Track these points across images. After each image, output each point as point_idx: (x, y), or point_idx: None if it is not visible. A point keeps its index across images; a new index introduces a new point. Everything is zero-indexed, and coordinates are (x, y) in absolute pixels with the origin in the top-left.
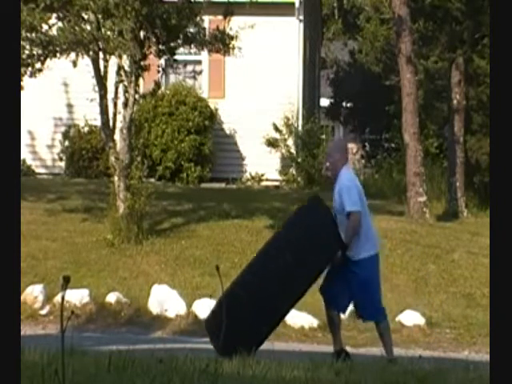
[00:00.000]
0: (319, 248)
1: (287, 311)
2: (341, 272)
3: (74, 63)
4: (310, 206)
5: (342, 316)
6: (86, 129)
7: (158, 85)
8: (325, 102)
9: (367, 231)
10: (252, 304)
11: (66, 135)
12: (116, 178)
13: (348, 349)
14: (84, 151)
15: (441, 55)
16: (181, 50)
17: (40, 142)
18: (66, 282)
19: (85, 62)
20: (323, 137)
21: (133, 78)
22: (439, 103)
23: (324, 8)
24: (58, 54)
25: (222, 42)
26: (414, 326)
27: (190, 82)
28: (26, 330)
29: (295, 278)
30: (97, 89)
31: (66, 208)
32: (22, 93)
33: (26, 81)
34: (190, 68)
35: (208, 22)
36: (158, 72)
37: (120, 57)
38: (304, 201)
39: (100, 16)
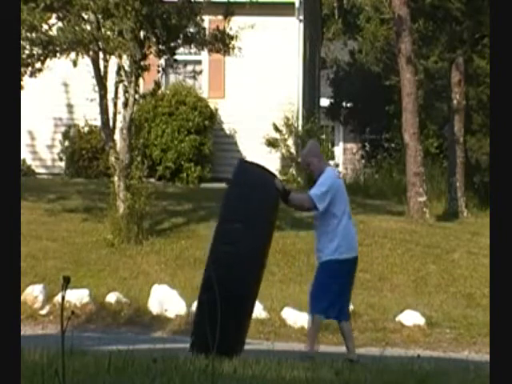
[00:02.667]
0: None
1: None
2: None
3: (74, 63)
4: (241, 171)
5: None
6: (86, 129)
7: (158, 85)
8: (325, 102)
9: (343, 233)
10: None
11: (66, 135)
12: (116, 178)
13: None
14: (84, 151)
15: (441, 55)
16: (181, 49)
17: (40, 142)
18: (66, 282)
19: (85, 62)
20: (323, 137)
21: (133, 78)
22: (439, 103)
23: (324, 8)
24: (57, 54)
25: (222, 42)
26: (413, 326)
27: (190, 81)
28: (26, 329)
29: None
30: (97, 89)
31: (66, 208)
32: (22, 93)
33: (26, 81)
34: (190, 68)
35: (208, 22)
36: (158, 72)
37: (120, 57)
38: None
39: (100, 16)
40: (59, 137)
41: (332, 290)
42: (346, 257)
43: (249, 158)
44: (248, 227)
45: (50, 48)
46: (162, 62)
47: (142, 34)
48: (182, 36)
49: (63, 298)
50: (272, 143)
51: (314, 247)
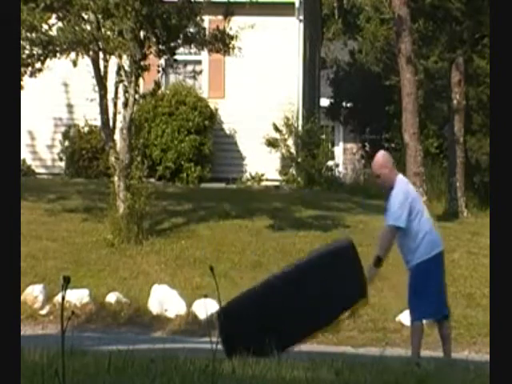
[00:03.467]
0: (341, 296)
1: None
2: None
3: (74, 63)
4: (340, 252)
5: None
6: (86, 129)
7: (158, 85)
8: (325, 102)
9: (423, 237)
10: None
11: (66, 135)
12: (116, 178)
13: (348, 349)
14: (84, 151)
15: (441, 55)
16: (181, 49)
17: (40, 142)
18: (66, 282)
19: (85, 62)
20: (323, 137)
21: (133, 78)
22: (439, 103)
23: (324, 8)
24: (58, 54)
25: (222, 42)
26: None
27: (190, 81)
28: (26, 329)
29: (314, 314)
30: (97, 89)
31: (66, 208)
32: (22, 93)
33: (26, 81)
34: (190, 68)
35: (208, 22)
36: (158, 72)
37: (120, 57)
38: (304, 201)
39: (100, 16)
40: (59, 137)
41: (428, 292)
42: (433, 253)
43: (249, 158)
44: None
45: (49, 48)
46: (162, 62)
47: (142, 33)
48: (181, 36)
49: (63, 298)
50: (272, 143)
51: (401, 254)
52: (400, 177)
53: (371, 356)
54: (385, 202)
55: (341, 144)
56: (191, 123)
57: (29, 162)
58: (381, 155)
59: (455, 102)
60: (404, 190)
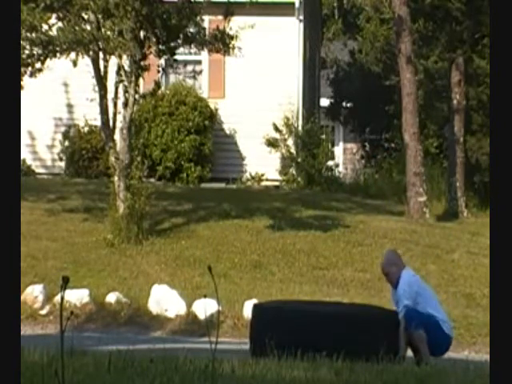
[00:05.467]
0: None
1: None
2: None
3: (74, 63)
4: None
5: None
6: (86, 129)
7: (158, 85)
8: (325, 102)
9: (437, 328)
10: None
11: (66, 135)
12: (116, 178)
13: None
14: (84, 151)
15: (441, 55)
16: (181, 49)
17: (40, 142)
18: (66, 283)
19: (85, 62)
20: (323, 137)
21: (133, 78)
22: (439, 103)
23: (324, 8)
24: (57, 54)
25: (222, 42)
26: None
27: (190, 81)
28: (26, 329)
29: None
30: (97, 89)
31: (65, 208)
32: (22, 93)
33: (26, 81)
34: (190, 68)
35: (208, 22)
36: (158, 72)
37: (120, 57)
38: (304, 201)
39: (100, 16)
40: (59, 137)
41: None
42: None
43: (249, 158)
44: None
45: (49, 48)
46: (162, 62)
47: (142, 33)
48: (182, 36)
49: (62, 298)
50: (272, 143)
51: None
52: (406, 270)
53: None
54: (393, 297)
55: (341, 144)
56: (191, 123)
57: (29, 161)
58: (390, 254)
59: (455, 101)
60: (408, 281)
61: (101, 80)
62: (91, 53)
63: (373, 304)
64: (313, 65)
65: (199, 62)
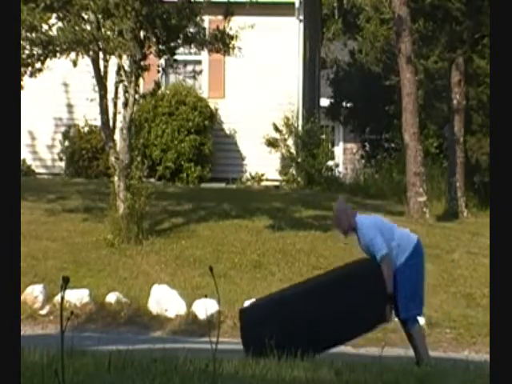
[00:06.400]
0: (369, 316)
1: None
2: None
3: (74, 63)
4: (367, 266)
5: None
6: (86, 129)
7: (158, 85)
8: (325, 102)
9: (400, 242)
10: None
11: (66, 135)
12: (116, 178)
13: (348, 349)
14: (84, 151)
15: (441, 55)
16: (181, 49)
17: (40, 142)
18: (66, 283)
19: (85, 62)
20: (323, 137)
21: (133, 78)
22: (439, 103)
23: (324, 8)
24: (58, 54)
25: (222, 42)
26: None
27: (190, 81)
28: (26, 329)
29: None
30: (97, 89)
31: (65, 208)
32: (22, 93)
33: (26, 81)
34: (190, 68)
35: (208, 22)
36: (158, 72)
37: (120, 57)
38: (304, 201)
39: (100, 16)
40: (59, 137)
41: (418, 285)
42: (410, 251)
43: (249, 158)
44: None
45: (49, 48)
46: (162, 62)
47: (142, 33)
48: (182, 36)
49: (62, 298)
50: (272, 143)
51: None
52: (358, 217)
53: (371, 356)
54: (359, 244)
55: (341, 144)
56: (191, 123)
57: (29, 161)
58: (335, 208)
59: (455, 101)
60: (367, 222)
61: (101, 80)
62: (91, 53)
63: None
64: (313, 65)
65: (199, 62)
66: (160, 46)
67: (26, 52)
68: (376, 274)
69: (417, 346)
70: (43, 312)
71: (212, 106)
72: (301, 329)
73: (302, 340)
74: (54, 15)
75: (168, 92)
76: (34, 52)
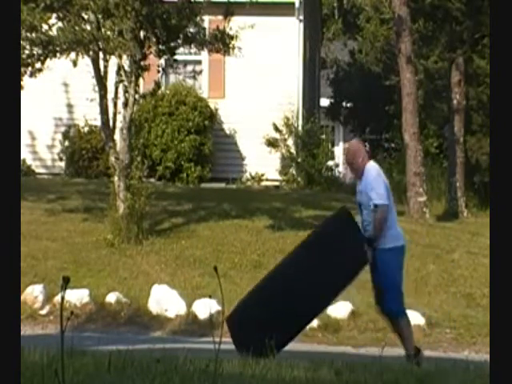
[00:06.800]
0: (346, 264)
1: (306, 323)
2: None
3: (74, 63)
4: (339, 219)
5: (343, 316)
6: (86, 129)
7: (158, 85)
8: (325, 102)
9: (393, 224)
10: (273, 305)
11: (66, 135)
12: (116, 178)
13: (348, 349)
14: (84, 151)
15: (441, 55)
16: (181, 49)
17: (40, 142)
18: (66, 283)
19: (85, 62)
20: (323, 137)
21: (133, 78)
22: (439, 103)
23: (324, 8)
24: (58, 54)
25: (222, 42)
26: (414, 326)
27: (190, 81)
28: (26, 329)
29: (317, 293)
30: (97, 89)
31: (65, 208)
32: (22, 93)
33: (26, 81)
34: (190, 68)
35: (208, 22)
36: (158, 72)
37: (120, 57)
38: (304, 201)
39: (100, 16)
40: (59, 137)
41: (400, 280)
42: (402, 243)
43: (249, 158)
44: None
45: (49, 48)
46: (162, 62)
47: (142, 33)
48: (181, 36)
49: (63, 298)
50: (272, 143)
51: (364, 228)
52: (372, 163)
53: (371, 356)
54: (358, 187)
55: (341, 144)
56: (191, 123)
57: (29, 161)
58: (354, 144)
59: (455, 101)
60: (377, 173)
61: (101, 80)
62: (91, 53)
63: None
64: (313, 65)
65: (199, 62)
66: (160, 46)
67: (26, 52)
68: (344, 231)
69: (404, 337)
70: (43, 312)
71: (212, 105)
72: (286, 299)
73: (292, 308)
74: (54, 15)
75: (168, 92)
76: (34, 52)
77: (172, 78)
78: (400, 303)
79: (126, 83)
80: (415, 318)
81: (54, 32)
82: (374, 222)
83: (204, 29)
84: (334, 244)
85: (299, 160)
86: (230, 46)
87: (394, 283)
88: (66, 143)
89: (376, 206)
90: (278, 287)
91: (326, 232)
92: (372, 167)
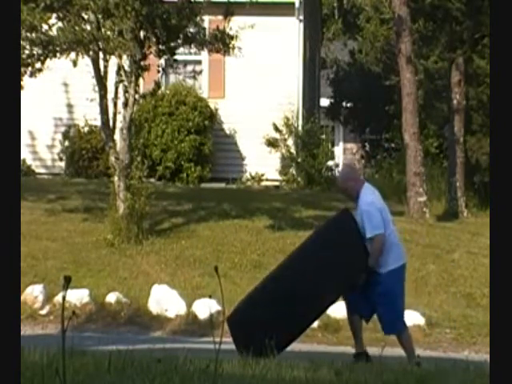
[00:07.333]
0: (347, 268)
1: (308, 325)
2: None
3: (74, 63)
4: (340, 221)
5: (343, 316)
6: (86, 129)
7: (158, 85)
8: (325, 102)
9: (391, 245)
10: (274, 308)
11: (66, 135)
12: (116, 178)
13: (348, 349)
14: (84, 151)
15: (441, 55)
16: (181, 49)
17: (40, 142)
18: (67, 282)
19: (85, 62)
20: (323, 137)
21: (133, 78)
22: (439, 103)
23: (324, 8)
24: (58, 54)
25: (222, 42)
26: (413, 326)
27: (190, 81)
28: (26, 329)
29: (319, 294)
30: (97, 89)
31: (65, 208)
32: (22, 93)
33: (26, 81)
34: (190, 68)
35: (208, 22)
36: (158, 72)
37: (120, 57)
38: (304, 201)
39: (100, 16)
40: (59, 137)
41: (401, 297)
42: (403, 262)
43: (249, 158)
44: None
45: (49, 48)
46: (162, 62)
47: (142, 33)
48: (181, 36)
49: (64, 298)
50: (272, 143)
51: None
52: (366, 187)
53: (371, 356)
54: (356, 212)
55: (341, 144)
56: (191, 123)
57: (29, 161)
58: (343, 170)
59: (455, 101)
60: (370, 199)
61: (101, 80)
62: (91, 53)
63: None
64: (313, 65)
65: (199, 62)
66: (160, 46)
67: (26, 52)
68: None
69: (406, 348)
70: (43, 312)
71: (212, 106)
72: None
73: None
74: (54, 15)
75: (168, 92)
76: (34, 52)
77: (172, 78)
78: (400, 321)
79: (125, 83)
80: (415, 318)
81: (54, 32)
82: (371, 252)
83: (204, 29)
84: (335, 245)
85: (299, 160)
86: (230, 46)
87: (394, 306)
88: (66, 143)
89: (370, 238)
90: (280, 288)
91: (327, 233)
92: (365, 193)
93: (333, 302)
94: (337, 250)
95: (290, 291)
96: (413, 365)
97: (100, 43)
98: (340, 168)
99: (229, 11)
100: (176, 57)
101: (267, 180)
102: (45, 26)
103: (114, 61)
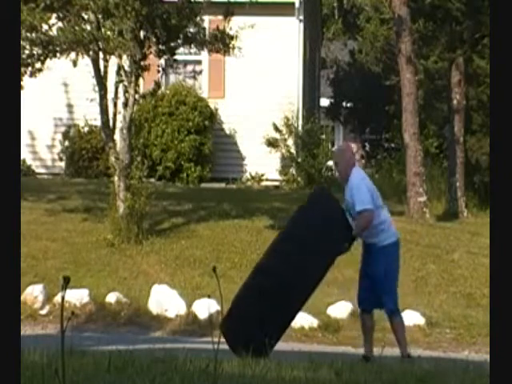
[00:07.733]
0: (330, 240)
1: (298, 308)
2: (364, 272)
3: (74, 63)
4: (318, 196)
5: (343, 316)
6: (86, 129)
7: (158, 85)
8: (325, 101)
9: (385, 221)
10: (264, 300)
11: (66, 135)
12: (116, 178)
13: (348, 349)
14: (84, 151)
15: (441, 55)
16: (181, 49)
17: (40, 142)
18: (66, 283)
19: (85, 62)
20: (323, 137)
21: (133, 78)
22: (439, 103)
23: (324, 8)
24: (58, 54)
25: (222, 42)
26: (414, 326)
27: (190, 81)
28: (26, 329)
29: (306, 271)
30: (97, 89)
31: (65, 208)
32: (22, 93)
33: (26, 81)
34: (190, 68)
35: (208, 22)
36: (158, 72)
37: (120, 57)
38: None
39: (100, 16)
40: (59, 137)
41: (396, 276)
42: (396, 239)
43: (249, 158)
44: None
45: (49, 48)
46: (162, 62)
47: (142, 33)
48: (181, 36)
49: (63, 298)
50: (272, 143)
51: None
52: (356, 169)
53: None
54: (343, 195)
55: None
56: (191, 123)
57: (29, 161)
58: (344, 144)
59: (455, 101)
60: (362, 176)
61: (101, 80)
62: (91, 53)
63: None
64: (313, 65)
65: (199, 62)
66: (160, 46)
67: (26, 52)
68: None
69: (400, 339)
70: (43, 312)
71: (212, 106)
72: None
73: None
74: (54, 15)
75: (168, 92)
76: (34, 52)
77: (172, 77)
78: (396, 302)
79: (125, 83)
80: (415, 317)
81: (54, 32)
82: (357, 223)
83: (204, 29)
84: (312, 220)
85: (299, 160)
86: (230, 45)
87: (391, 282)
88: (66, 143)
89: (359, 212)
90: (268, 278)
91: (305, 212)
92: (355, 174)
93: (322, 276)
94: (314, 225)
95: (278, 278)
96: (404, 356)
97: (100, 43)
98: (343, 142)
99: (229, 11)
100: (176, 57)
101: (267, 180)
102: (45, 26)
103: (114, 61)
